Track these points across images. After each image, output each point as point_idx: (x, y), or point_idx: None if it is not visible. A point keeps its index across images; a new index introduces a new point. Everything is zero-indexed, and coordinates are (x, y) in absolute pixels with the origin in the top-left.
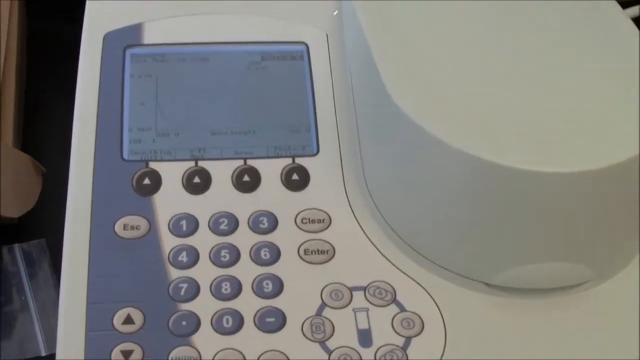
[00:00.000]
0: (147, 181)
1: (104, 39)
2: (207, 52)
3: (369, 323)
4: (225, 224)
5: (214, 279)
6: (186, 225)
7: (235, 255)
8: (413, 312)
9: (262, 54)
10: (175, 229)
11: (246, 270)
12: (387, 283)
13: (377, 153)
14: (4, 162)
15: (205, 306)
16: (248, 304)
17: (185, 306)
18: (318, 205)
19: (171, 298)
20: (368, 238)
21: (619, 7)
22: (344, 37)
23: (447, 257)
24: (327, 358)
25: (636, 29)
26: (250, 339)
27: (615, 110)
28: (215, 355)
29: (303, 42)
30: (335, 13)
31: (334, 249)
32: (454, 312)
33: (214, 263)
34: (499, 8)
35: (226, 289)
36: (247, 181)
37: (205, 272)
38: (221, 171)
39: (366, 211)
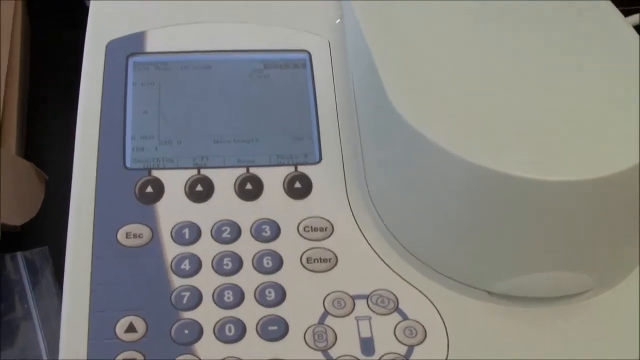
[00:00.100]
0: (149, 189)
1: (106, 47)
2: (210, 60)
3: (371, 331)
4: (228, 232)
5: (217, 287)
6: (189, 233)
7: (238, 264)
8: (415, 321)
9: (265, 62)
10: (178, 237)
11: (248, 279)
12: (389, 291)
13: (379, 161)
14: (6, 169)
15: (207, 314)
16: (250, 313)
17: (188, 314)
18: (320, 213)
19: (173, 306)
20: (370, 246)
21: (618, 11)
22: (346, 44)
23: (450, 265)
24: None
25: (636, 34)
26: (252, 347)
27: (616, 117)
28: None
29: (305, 50)
30: (337, 21)
31: (336, 257)
32: (457, 321)
33: (216, 271)
34: (498, 14)
35: (229, 298)
36: (249, 189)
37: (207, 281)
38: (224, 179)
39: (368, 219)
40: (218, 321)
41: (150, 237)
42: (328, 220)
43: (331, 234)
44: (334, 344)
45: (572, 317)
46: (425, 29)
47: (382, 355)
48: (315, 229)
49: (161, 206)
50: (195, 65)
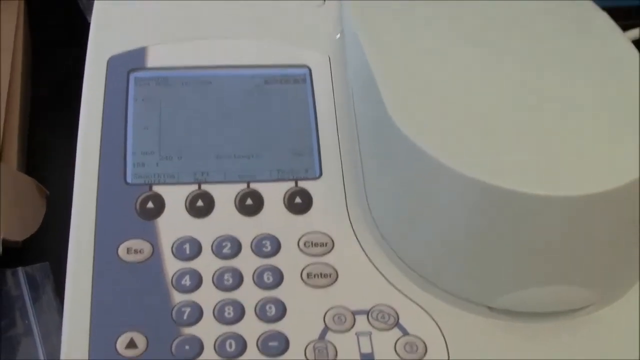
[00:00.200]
0: (150, 205)
1: (108, 62)
2: (211, 75)
3: (372, 347)
4: (229, 247)
5: (217, 303)
6: (189, 248)
7: (238, 279)
8: (416, 336)
9: (265, 77)
10: (179, 252)
11: (249, 294)
12: (390, 307)
13: (379, 176)
14: (7, 185)
15: (208, 330)
16: (251, 328)
17: (189, 330)
18: (321, 228)
19: (174, 322)
20: (371, 261)
21: (616, 26)
22: (346, 59)
23: (450, 280)
24: None
25: (635, 49)
26: None
27: (616, 132)
28: None
29: (306, 66)
30: (337, 36)
31: (336, 272)
32: (457, 336)
33: (217, 287)
34: (498, 30)
35: (229, 313)
36: (250, 205)
37: (208, 296)
38: (224, 194)
39: (369, 234)
40: (219, 337)
41: (151, 253)
42: (328, 236)
43: (331, 249)
44: (335, 359)
45: (573, 333)
46: (425, 44)
47: None
48: (316, 244)
49: (162, 221)
50: (196, 80)
